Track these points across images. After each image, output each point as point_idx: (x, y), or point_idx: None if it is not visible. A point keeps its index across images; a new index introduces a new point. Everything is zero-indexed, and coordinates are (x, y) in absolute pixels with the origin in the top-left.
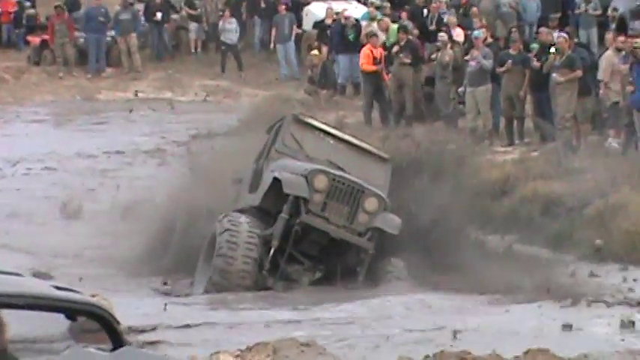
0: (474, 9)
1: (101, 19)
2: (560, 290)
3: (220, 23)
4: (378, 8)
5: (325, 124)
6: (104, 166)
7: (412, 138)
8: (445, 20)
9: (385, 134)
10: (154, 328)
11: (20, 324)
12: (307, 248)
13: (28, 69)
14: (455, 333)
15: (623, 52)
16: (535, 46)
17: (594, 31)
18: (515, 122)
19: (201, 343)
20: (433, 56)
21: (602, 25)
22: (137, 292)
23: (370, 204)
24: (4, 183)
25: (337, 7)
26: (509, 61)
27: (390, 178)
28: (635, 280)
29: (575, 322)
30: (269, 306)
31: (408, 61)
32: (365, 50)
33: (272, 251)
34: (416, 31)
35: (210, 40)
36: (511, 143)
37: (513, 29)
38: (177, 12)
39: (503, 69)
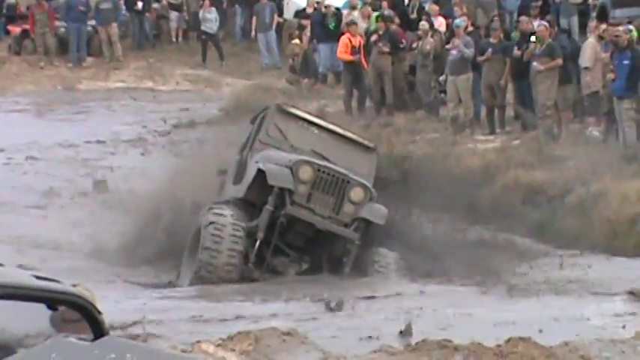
0: None
1: (82, 8)
2: (540, 279)
3: (200, 12)
4: None
5: (309, 113)
6: (85, 155)
7: (393, 127)
8: (426, 9)
9: (366, 123)
10: (134, 322)
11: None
12: (293, 240)
13: (8, 59)
14: (437, 322)
15: (604, 41)
16: (515, 35)
17: (575, 20)
18: (496, 111)
19: (183, 333)
20: (414, 45)
21: (583, 14)
22: (119, 284)
23: (356, 194)
24: None
25: None
26: (490, 49)
27: (375, 167)
28: (617, 269)
29: (556, 311)
30: (253, 297)
31: (386, 49)
32: (343, 39)
33: (257, 243)
34: (397, 20)
35: (191, 30)
36: (492, 132)
37: (495, 18)
38: (157, 1)
39: (483, 58)
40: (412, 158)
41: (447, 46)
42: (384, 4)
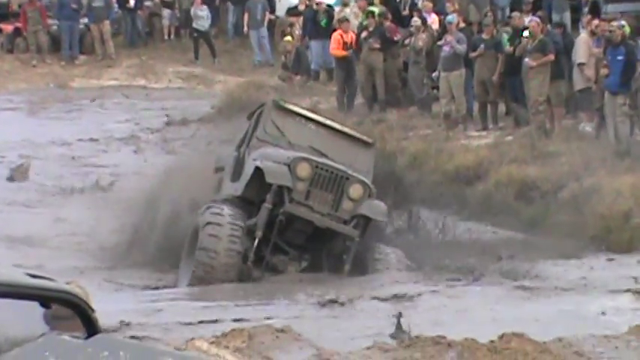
0: None
1: (74, 6)
2: (536, 275)
3: (192, 10)
4: None
5: (307, 109)
6: (78, 153)
7: (386, 123)
8: (419, 5)
9: (358, 120)
10: (127, 323)
11: None
12: (292, 238)
13: (1, 57)
14: (431, 318)
15: (597, 36)
16: (506, 31)
17: (567, 15)
18: (489, 107)
19: (177, 330)
20: (407, 41)
21: (575, 9)
22: (112, 285)
23: (355, 191)
24: None
25: None
26: (482, 45)
27: (374, 163)
28: (610, 265)
29: (550, 307)
30: (250, 297)
31: (377, 46)
32: (335, 35)
33: (256, 242)
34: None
35: (184, 27)
36: (485, 128)
37: (488, 14)
38: None
39: (475, 54)
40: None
41: (440, 43)
42: (363, 5)
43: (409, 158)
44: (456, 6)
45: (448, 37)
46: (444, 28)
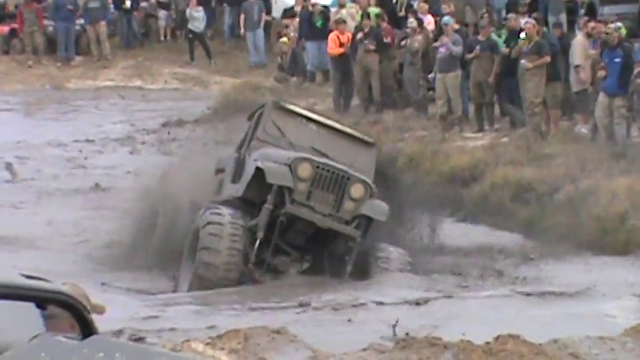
0: None
1: (70, 7)
2: (531, 277)
3: (187, 11)
4: None
5: (307, 109)
6: (74, 154)
7: (382, 125)
8: (414, 6)
9: (354, 121)
10: (121, 330)
11: None
12: (293, 238)
13: None
14: (427, 319)
15: (593, 38)
16: (499, 33)
17: (563, 17)
18: (484, 108)
19: (172, 332)
20: (403, 43)
21: (571, 11)
22: (110, 289)
23: (356, 191)
24: None
25: None
26: (477, 47)
27: (375, 162)
28: (605, 268)
29: (544, 309)
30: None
31: (372, 47)
32: (332, 36)
33: (257, 243)
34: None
35: (179, 28)
36: (481, 129)
37: (484, 15)
38: (146, 0)
39: (471, 55)
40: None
41: (436, 44)
42: (372, 1)
43: (405, 159)
44: (452, 7)
45: (444, 39)
46: (439, 30)
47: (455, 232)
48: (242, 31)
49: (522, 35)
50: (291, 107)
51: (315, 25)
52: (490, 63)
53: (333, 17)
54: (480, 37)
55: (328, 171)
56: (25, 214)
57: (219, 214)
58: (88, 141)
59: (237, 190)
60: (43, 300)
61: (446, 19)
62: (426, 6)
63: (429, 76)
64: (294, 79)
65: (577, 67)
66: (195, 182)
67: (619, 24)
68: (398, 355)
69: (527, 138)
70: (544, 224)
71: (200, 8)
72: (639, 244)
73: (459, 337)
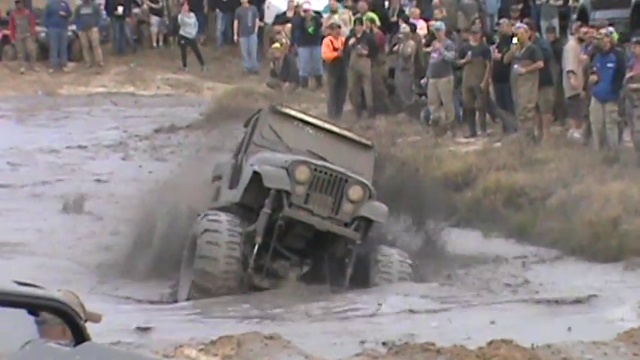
0: (435, 0)
1: (62, 13)
2: (525, 283)
3: (179, 17)
4: (339, 0)
5: (304, 113)
6: (67, 160)
7: (374, 130)
8: (407, 12)
9: (347, 126)
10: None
11: None
12: (292, 242)
13: None
14: (419, 325)
15: (585, 43)
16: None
17: (555, 22)
18: (477, 113)
19: (166, 339)
20: (395, 48)
21: (564, 16)
22: (108, 298)
23: (354, 193)
24: None
25: None
26: (469, 52)
27: (373, 165)
28: (599, 272)
29: (539, 315)
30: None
31: (365, 52)
32: (326, 41)
33: (256, 248)
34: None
35: (172, 34)
36: (473, 134)
37: (476, 20)
38: (138, 6)
39: (463, 61)
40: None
41: (428, 49)
42: (364, 6)
43: (398, 165)
44: (444, 13)
45: (436, 44)
46: (431, 35)
47: (449, 238)
48: (236, 36)
49: (514, 40)
50: (288, 111)
51: (307, 31)
52: (482, 68)
53: (325, 23)
54: (472, 43)
55: (326, 173)
56: (17, 220)
57: (217, 221)
58: (80, 147)
59: (234, 195)
60: (35, 307)
61: (438, 24)
62: (417, 11)
63: (422, 81)
64: (287, 84)
65: (569, 72)
66: (193, 189)
67: (611, 29)
68: None
69: (519, 143)
70: (537, 229)
71: (192, 14)
72: (632, 249)
73: (452, 342)
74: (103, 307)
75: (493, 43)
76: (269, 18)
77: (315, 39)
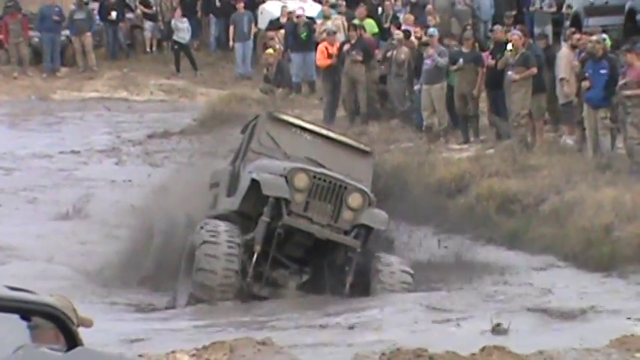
0: (429, 7)
1: (56, 18)
2: (518, 290)
3: (172, 22)
4: (333, 7)
5: (302, 119)
6: (60, 165)
7: (368, 136)
8: (400, 18)
9: (341, 132)
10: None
11: None
12: (292, 251)
13: None
14: (411, 330)
15: (578, 50)
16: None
17: (549, 28)
18: (468, 120)
19: (158, 343)
20: (389, 54)
21: (557, 23)
22: (102, 306)
23: (354, 200)
24: None
25: (292, 5)
26: (461, 59)
27: (372, 171)
28: (593, 278)
29: (533, 321)
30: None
31: (359, 58)
32: (321, 47)
33: (255, 257)
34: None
35: (166, 39)
36: (466, 141)
37: (467, 27)
38: (132, 11)
39: (454, 67)
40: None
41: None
42: (363, 12)
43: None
44: (437, 19)
45: (430, 50)
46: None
47: (443, 244)
48: (231, 42)
49: (509, 47)
50: (286, 117)
51: (300, 37)
52: (474, 75)
53: (318, 29)
54: (464, 49)
55: (325, 181)
56: (10, 225)
57: (215, 233)
58: (73, 152)
59: (232, 203)
60: (27, 311)
61: (431, 30)
62: (411, 17)
63: (415, 87)
64: (280, 90)
65: (562, 79)
66: (190, 196)
67: (604, 35)
68: None
69: (512, 149)
70: (529, 236)
71: (185, 19)
72: (624, 256)
73: (444, 348)
74: (96, 313)
75: (486, 49)
76: (262, 24)
77: (308, 45)
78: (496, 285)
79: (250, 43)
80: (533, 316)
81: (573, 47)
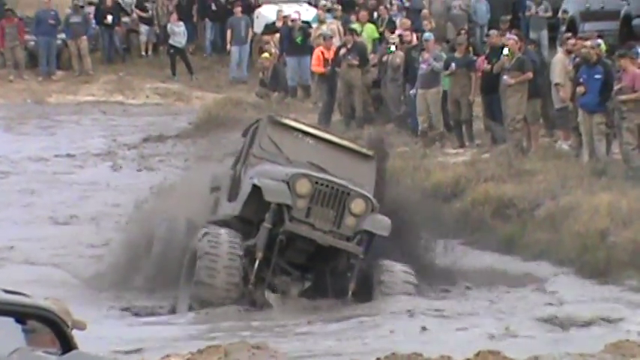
0: (425, 11)
1: (51, 22)
2: (513, 296)
3: (168, 26)
4: (328, 11)
5: (303, 123)
6: (55, 169)
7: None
8: (397, 23)
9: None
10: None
11: None
12: (293, 257)
13: None
14: (408, 335)
15: (573, 55)
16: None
17: (545, 33)
18: (462, 125)
19: (153, 348)
20: (384, 59)
21: (553, 28)
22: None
23: (357, 206)
24: None
25: (288, 9)
26: (453, 64)
27: (375, 175)
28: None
29: (525, 325)
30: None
31: (356, 62)
32: (317, 52)
33: (256, 264)
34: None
35: (161, 43)
36: (462, 145)
37: (462, 32)
38: (128, 15)
39: (447, 72)
40: None
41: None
42: (353, 17)
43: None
44: (433, 24)
45: (425, 55)
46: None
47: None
48: (228, 46)
49: (505, 51)
50: (287, 121)
51: (295, 41)
52: (467, 80)
53: (314, 33)
54: (457, 55)
55: (327, 186)
56: (6, 229)
57: (216, 244)
58: (69, 156)
59: (233, 208)
60: (22, 315)
61: (427, 34)
62: (407, 22)
63: (411, 92)
64: (276, 94)
65: (557, 84)
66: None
67: (599, 41)
68: None
69: (508, 154)
70: (525, 240)
71: (181, 23)
72: (620, 261)
73: (439, 353)
74: (92, 317)
75: (482, 54)
76: (258, 28)
77: (304, 49)
78: (491, 291)
79: (247, 47)
80: (528, 321)
81: (568, 52)
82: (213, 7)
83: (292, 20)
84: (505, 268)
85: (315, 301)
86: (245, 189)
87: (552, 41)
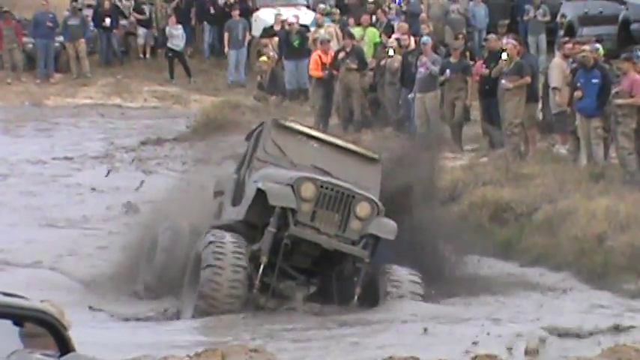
0: (423, 15)
1: (49, 24)
2: (509, 300)
3: (167, 29)
4: (327, 14)
5: (308, 126)
6: (53, 171)
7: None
8: (395, 27)
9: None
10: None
11: None
12: (299, 262)
13: None
14: (406, 339)
15: (570, 59)
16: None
17: (543, 38)
18: (458, 129)
19: (151, 351)
20: (382, 62)
21: (551, 32)
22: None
23: (362, 209)
24: None
25: (286, 13)
26: (448, 70)
27: (380, 179)
28: (583, 288)
29: (522, 329)
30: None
31: (354, 66)
32: (314, 56)
33: (261, 268)
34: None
35: (159, 46)
36: (460, 149)
37: (459, 36)
38: (126, 18)
39: (442, 78)
40: None
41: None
42: (351, 21)
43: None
44: (431, 28)
45: (423, 59)
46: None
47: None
48: (226, 49)
49: (504, 56)
50: (291, 125)
51: (293, 45)
52: (463, 84)
53: (311, 37)
54: (452, 59)
55: (332, 190)
56: (3, 231)
57: (221, 255)
58: (66, 158)
59: (238, 213)
60: (20, 317)
61: (425, 38)
62: (405, 26)
63: (409, 96)
64: (274, 97)
65: (554, 89)
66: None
67: (597, 45)
68: None
69: (506, 158)
70: (522, 245)
71: (179, 26)
72: (617, 265)
73: (436, 357)
74: (90, 321)
75: (480, 58)
76: (256, 31)
77: (301, 52)
78: (488, 295)
79: (245, 50)
80: (525, 325)
81: (566, 57)
82: (212, 11)
83: (290, 24)
84: (502, 273)
85: (318, 306)
86: (249, 193)
87: (550, 45)
